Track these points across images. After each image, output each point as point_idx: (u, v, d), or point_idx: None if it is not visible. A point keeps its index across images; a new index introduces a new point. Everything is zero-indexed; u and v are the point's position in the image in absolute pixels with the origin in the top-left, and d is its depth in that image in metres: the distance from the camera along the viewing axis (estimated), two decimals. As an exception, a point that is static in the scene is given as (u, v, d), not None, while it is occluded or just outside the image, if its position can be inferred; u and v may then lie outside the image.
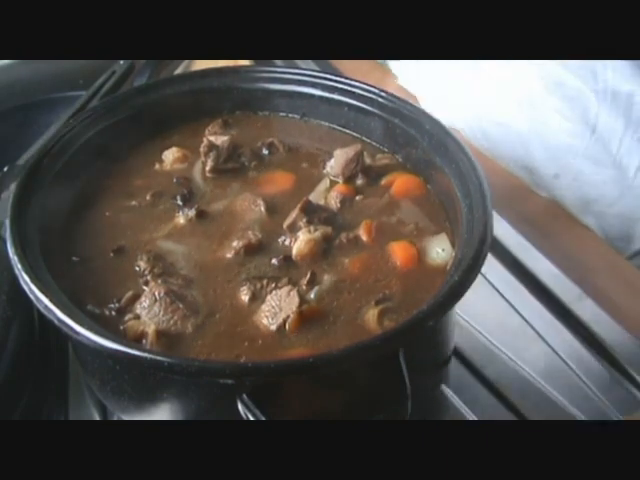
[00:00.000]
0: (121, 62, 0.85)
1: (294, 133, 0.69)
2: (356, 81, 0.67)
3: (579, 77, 0.81)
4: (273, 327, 0.53)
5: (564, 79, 0.82)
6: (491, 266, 0.72)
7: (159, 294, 0.54)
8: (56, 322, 0.50)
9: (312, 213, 0.60)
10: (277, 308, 0.54)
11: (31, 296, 0.51)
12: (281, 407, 0.50)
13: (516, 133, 0.87)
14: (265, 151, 0.68)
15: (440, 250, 0.58)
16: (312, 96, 0.68)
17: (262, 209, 0.62)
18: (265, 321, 0.54)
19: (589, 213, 0.83)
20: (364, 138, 0.68)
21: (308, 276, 0.56)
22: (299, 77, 0.69)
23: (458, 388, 0.62)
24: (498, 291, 0.71)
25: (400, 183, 0.64)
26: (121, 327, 0.54)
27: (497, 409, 0.61)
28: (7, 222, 0.55)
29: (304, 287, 0.56)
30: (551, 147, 0.84)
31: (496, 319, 0.68)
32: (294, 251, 0.58)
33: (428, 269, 0.58)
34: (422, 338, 0.53)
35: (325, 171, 0.66)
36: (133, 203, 0.63)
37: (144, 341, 0.53)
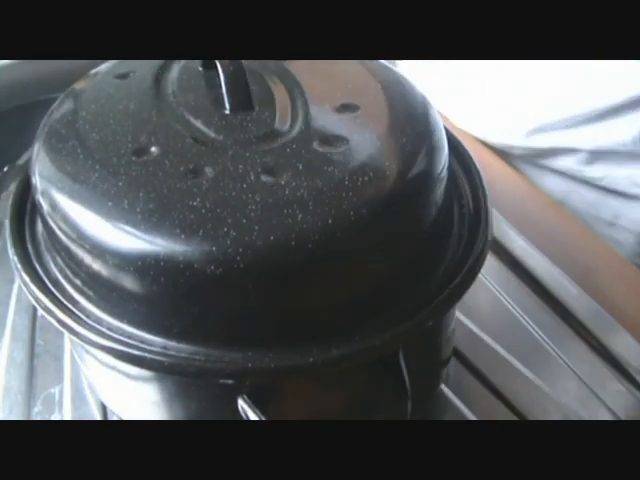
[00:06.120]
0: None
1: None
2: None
3: None
4: None
5: None
6: (491, 266, 0.72)
7: (159, 294, 0.54)
8: (56, 322, 0.50)
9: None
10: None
11: (31, 296, 0.51)
12: (281, 407, 0.50)
13: None
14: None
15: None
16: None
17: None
18: None
19: None
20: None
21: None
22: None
23: (458, 388, 0.62)
24: (498, 291, 0.71)
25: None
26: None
27: (497, 409, 0.61)
28: (7, 222, 0.55)
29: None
30: None
31: (496, 319, 0.68)
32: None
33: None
34: (422, 338, 0.53)
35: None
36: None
37: (144, 341, 0.53)
